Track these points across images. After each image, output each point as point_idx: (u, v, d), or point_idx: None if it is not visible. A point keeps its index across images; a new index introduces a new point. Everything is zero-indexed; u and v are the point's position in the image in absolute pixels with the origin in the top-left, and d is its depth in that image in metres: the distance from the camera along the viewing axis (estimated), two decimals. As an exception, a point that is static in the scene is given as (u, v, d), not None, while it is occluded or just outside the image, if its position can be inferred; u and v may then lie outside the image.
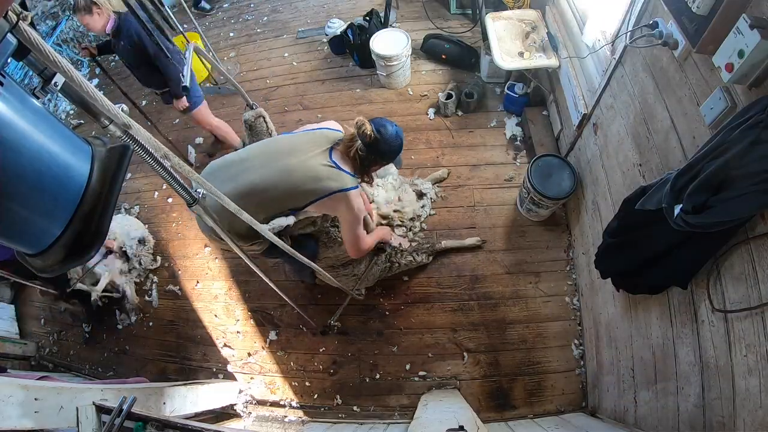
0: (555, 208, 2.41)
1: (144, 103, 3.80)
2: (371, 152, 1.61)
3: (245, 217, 1.13)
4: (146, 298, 2.83)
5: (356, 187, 1.65)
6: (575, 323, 2.31)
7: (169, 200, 3.14)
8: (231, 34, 4.07)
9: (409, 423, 1.85)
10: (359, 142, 1.59)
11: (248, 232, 1.61)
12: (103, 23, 2.23)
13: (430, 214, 2.65)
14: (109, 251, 2.73)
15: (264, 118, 2.19)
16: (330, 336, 2.46)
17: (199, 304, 2.73)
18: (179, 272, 2.86)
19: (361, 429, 2.10)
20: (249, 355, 2.52)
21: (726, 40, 1.02)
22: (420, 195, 2.65)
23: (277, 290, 1.66)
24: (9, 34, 0.53)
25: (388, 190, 2.42)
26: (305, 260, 1.54)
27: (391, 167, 2.43)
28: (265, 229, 1.26)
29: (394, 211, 2.40)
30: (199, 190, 0.95)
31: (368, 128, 1.58)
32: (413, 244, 2.41)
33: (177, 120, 3.55)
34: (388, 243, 2.28)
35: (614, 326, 1.89)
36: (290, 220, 1.73)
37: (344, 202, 1.64)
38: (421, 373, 2.31)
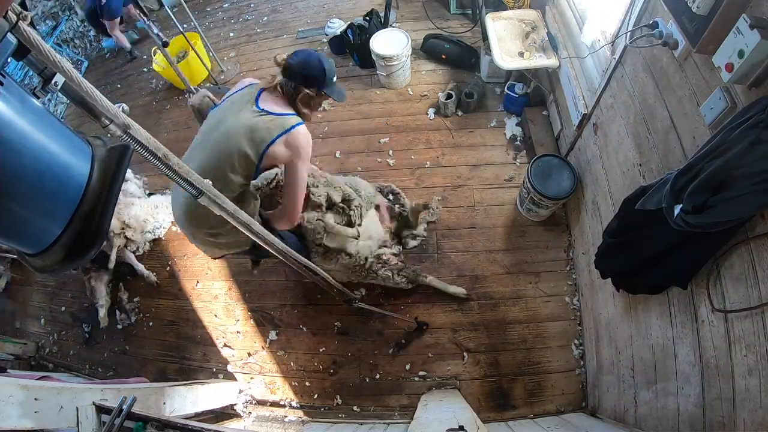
0: (555, 208, 2.41)
1: (143, 103, 3.81)
2: (292, 79, 1.54)
3: (230, 206, 1.06)
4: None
5: (299, 123, 1.55)
6: (575, 323, 2.31)
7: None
8: (231, 34, 4.07)
9: (409, 423, 1.85)
10: (279, 76, 1.55)
11: (219, 222, 1.51)
12: None
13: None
14: None
15: (209, 96, 2.15)
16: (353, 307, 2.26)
17: (199, 304, 2.73)
18: (179, 272, 2.86)
19: (361, 429, 2.10)
20: (249, 355, 2.52)
21: (726, 40, 1.02)
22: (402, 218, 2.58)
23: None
24: (9, 34, 0.53)
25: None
26: (290, 251, 1.42)
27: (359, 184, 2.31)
28: (239, 211, 1.15)
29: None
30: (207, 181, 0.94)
31: (281, 55, 1.56)
32: (398, 263, 2.34)
33: (177, 120, 3.56)
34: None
35: (614, 326, 1.89)
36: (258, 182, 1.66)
37: (292, 143, 1.52)
38: (421, 373, 2.31)
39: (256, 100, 1.54)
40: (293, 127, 1.52)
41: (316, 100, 1.64)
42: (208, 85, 3.63)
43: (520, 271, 2.47)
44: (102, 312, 2.74)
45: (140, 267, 2.83)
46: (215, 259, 2.32)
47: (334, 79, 1.65)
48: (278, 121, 1.51)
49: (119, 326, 2.78)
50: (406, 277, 2.33)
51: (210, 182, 0.97)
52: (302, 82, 1.56)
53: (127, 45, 4.00)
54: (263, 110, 1.52)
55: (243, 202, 1.63)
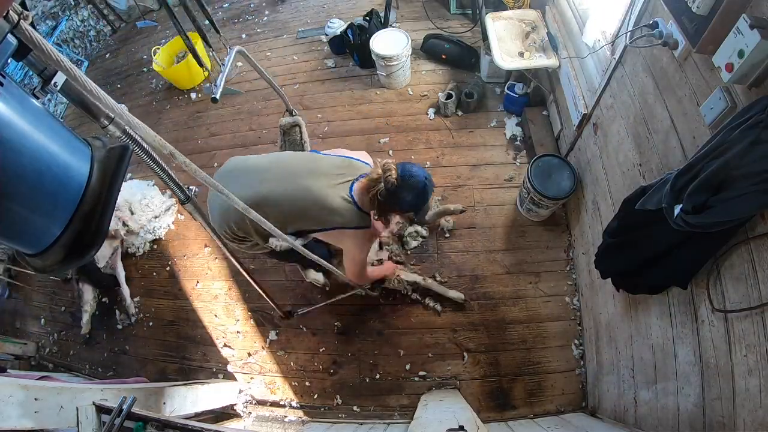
0: (555, 208, 2.41)
1: (143, 103, 3.81)
2: (391, 199, 1.50)
3: (267, 225, 1.10)
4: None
5: (366, 227, 1.59)
6: (575, 323, 2.31)
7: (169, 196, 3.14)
8: (231, 34, 4.07)
9: (409, 423, 1.85)
10: (382, 185, 1.48)
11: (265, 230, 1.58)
12: None
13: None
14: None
15: (300, 127, 2.14)
16: (293, 320, 2.37)
17: (199, 304, 2.73)
18: (179, 272, 2.86)
19: (361, 429, 2.10)
20: (249, 355, 2.52)
21: (726, 40, 1.02)
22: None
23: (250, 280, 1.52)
24: (9, 35, 0.53)
25: None
26: (322, 261, 1.50)
27: None
28: (285, 236, 1.24)
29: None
30: (191, 187, 0.94)
31: (393, 175, 1.47)
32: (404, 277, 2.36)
33: (177, 120, 3.56)
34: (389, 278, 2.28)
35: (614, 326, 1.89)
36: (297, 243, 1.70)
37: (350, 239, 1.61)
38: (421, 373, 2.31)
39: (351, 185, 1.57)
40: (355, 227, 1.57)
41: (399, 216, 1.71)
42: (207, 85, 3.63)
43: (520, 271, 2.47)
44: (85, 317, 2.73)
45: (126, 292, 2.78)
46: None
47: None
48: (351, 217, 1.55)
49: (119, 326, 2.78)
50: (411, 286, 2.39)
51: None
52: (399, 207, 1.55)
53: None
54: (352, 198, 1.55)
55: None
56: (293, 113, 2.13)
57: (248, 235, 1.63)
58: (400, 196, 1.49)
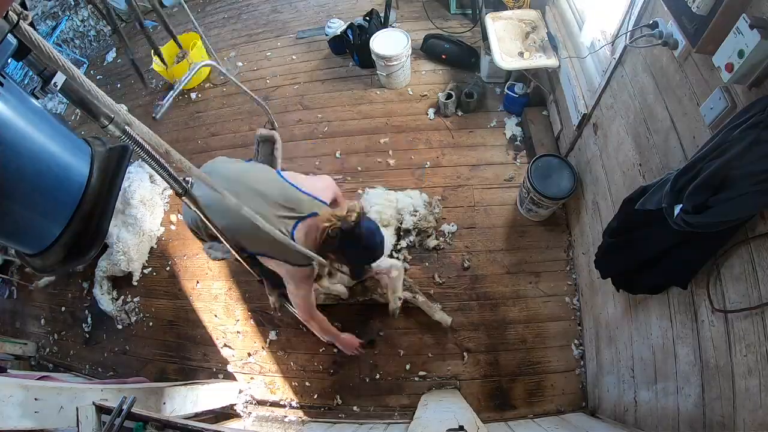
0: (555, 208, 2.41)
1: (143, 103, 3.81)
2: (341, 241, 1.49)
3: (245, 211, 1.10)
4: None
5: (302, 265, 1.53)
6: (575, 323, 2.31)
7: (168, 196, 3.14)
8: (231, 34, 4.07)
9: (409, 423, 1.85)
10: (339, 223, 1.47)
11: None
12: None
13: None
14: None
15: (275, 144, 2.09)
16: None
17: (199, 304, 2.73)
18: (179, 272, 2.86)
19: (361, 429, 2.10)
20: (249, 355, 2.52)
21: (726, 40, 1.02)
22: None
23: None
24: (9, 35, 0.53)
25: None
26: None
27: None
28: (269, 227, 1.22)
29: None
30: (188, 178, 0.93)
31: (354, 217, 1.47)
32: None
33: (177, 120, 3.56)
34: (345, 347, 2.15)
35: (614, 326, 1.89)
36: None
37: (287, 274, 1.56)
38: (421, 373, 2.31)
39: (296, 224, 1.50)
40: (301, 266, 1.53)
41: (341, 263, 1.66)
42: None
43: (520, 271, 2.46)
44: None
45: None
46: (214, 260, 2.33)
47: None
48: (290, 254, 1.49)
49: (119, 326, 2.78)
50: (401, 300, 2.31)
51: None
52: (344, 252, 1.55)
53: None
54: (293, 237, 1.49)
55: None
56: (272, 127, 2.12)
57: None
58: (352, 242, 1.47)
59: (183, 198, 0.92)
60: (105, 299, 2.76)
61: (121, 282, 2.87)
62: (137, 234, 2.86)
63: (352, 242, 1.49)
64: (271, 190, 1.54)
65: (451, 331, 2.36)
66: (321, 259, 1.55)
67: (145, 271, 2.89)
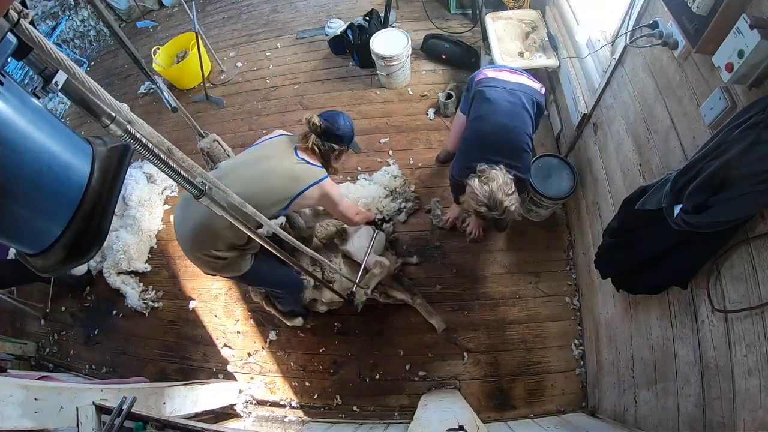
0: (555, 208, 2.41)
1: (143, 103, 3.81)
2: (326, 140, 1.75)
3: (249, 209, 1.09)
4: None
5: (327, 176, 1.78)
6: (575, 323, 2.31)
7: (170, 195, 3.14)
8: (231, 34, 4.07)
9: (409, 423, 1.85)
10: (312, 135, 1.73)
11: (240, 241, 1.67)
12: None
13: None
14: None
15: (218, 141, 2.28)
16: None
17: (199, 304, 2.73)
18: (179, 272, 2.85)
19: (361, 429, 2.10)
20: (249, 355, 2.52)
21: (726, 40, 1.02)
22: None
23: (307, 250, 1.43)
24: (9, 33, 0.53)
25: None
26: (298, 244, 1.38)
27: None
28: (272, 223, 1.23)
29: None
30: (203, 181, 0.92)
31: (316, 120, 1.72)
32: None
33: (177, 120, 3.55)
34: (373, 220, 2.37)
35: (614, 326, 1.89)
36: (281, 220, 1.84)
37: (322, 192, 1.77)
38: (421, 373, 2.31)
39: (296, 150, 1.75)
40: (324, 178, 1.76)
41: (342, 155, 1.89)
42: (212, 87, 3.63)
43: (520, 271, 2.46)
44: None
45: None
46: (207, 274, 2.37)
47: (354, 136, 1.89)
48: (313, 173, 1.73)
49: (119, 314, 2.77)
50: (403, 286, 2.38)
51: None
52: (336, 141, 1.78)
53: None
54: (303, 159, 1.73)
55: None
56: (204, 134, 2.27)
57: (218, 250, 1.67)
58: (329, 133, 1.73)
59: (200, 200, 0.90)
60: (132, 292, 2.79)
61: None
62: (136, 233, 2.88)
63: (331, 132, 1.73)
64: (260, 151, 1.80)
65: (450, 331, 2.36)
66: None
67: (146, 270, 2.89)
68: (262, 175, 1.68)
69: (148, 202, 2.99)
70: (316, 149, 1.75)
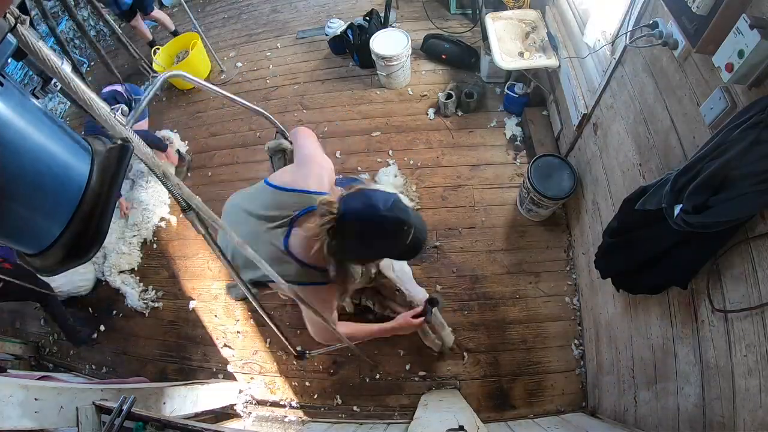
0: (555, 208, 2.41)
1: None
2: (338, 242, 1.05)
3: (249, 252, 0.90)
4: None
5: (321, 283, 1.16)
6: (575, 323, 2.31)
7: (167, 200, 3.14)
8: (231, 34, 4.07)
9: (409, 423, 1.85)
10: (327, 229, 1.05)
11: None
12: None
13: None
14: None
15: (285, 152, 1.88)
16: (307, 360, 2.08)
17: (199, 304, 2.73)
18: (179, 272, 2.86)
19: (361, 429, 2.10)
20: (249, 355, 2.52)
21: (726, 40, 1.02)
22: None
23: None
24: (9, 34, 0.53)
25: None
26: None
27: None
28: (271, 270, 0.97)
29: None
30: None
31: (333, 208, 1.05)
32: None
33: (177, 120, 3.56)
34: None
35: (614, 326, 1.89)
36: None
37: (304, 295, 1.13)
38: (421, 373, 2.31)
39: (288, 231, 1.16)
40: (318, 284, 1.17)
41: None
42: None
43: (520, 271, 2.46)
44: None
45: None
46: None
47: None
48: (292, 271, 1.15)
49: (119, 314, 2.77)
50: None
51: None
52: (348, 253, 1.12)
53: (149, 36, 3.94)
54: (286, 249, 1.15)
55: None
56: (285, 135, 1.86)
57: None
58: (343, 231, 1.04)
59: (186, 215, 0.86)
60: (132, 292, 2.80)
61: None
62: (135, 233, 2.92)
63: (345, 229, 1.05)
64: (256, 203, 1.25)
65: (451, 331, 2.36)
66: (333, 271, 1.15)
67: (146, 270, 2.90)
68: (246, 235, 1.20)
69: (146, 202, 3.02)
70: (323, 247, 1.08)
